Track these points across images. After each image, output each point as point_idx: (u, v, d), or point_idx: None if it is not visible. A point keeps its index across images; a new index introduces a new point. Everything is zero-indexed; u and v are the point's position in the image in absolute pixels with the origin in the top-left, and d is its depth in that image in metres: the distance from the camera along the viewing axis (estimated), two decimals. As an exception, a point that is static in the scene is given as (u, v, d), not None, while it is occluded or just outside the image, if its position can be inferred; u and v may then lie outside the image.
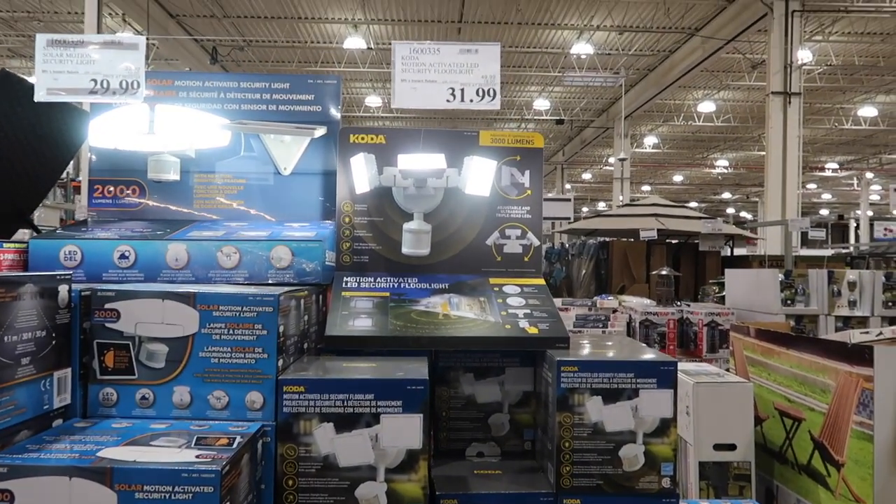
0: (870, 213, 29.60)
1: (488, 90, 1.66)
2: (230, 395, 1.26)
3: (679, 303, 6.21)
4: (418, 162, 1.70)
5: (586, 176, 31.66)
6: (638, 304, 6.47)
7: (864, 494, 1.28)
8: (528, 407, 1.63)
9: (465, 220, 1.79)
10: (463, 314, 1.58)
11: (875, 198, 32.36)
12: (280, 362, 1.29)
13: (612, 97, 19.78)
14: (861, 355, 1.33)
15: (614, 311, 6.26)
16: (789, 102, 11.82)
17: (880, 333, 3.08)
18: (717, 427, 3.09)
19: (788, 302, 6.04)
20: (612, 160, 22.94)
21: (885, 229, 16.47)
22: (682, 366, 3.36)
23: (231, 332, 1.26)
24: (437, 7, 14.07)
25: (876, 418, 1.49)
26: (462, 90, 1.69)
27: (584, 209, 34.76)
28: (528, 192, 1.81)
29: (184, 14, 14.59)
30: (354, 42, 15.09)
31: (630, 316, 6.17)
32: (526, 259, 1.80)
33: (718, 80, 17.68)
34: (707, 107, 20.03)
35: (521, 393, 1.63)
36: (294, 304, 1.42)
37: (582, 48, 15.33)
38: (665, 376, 1.45)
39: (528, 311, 1.62)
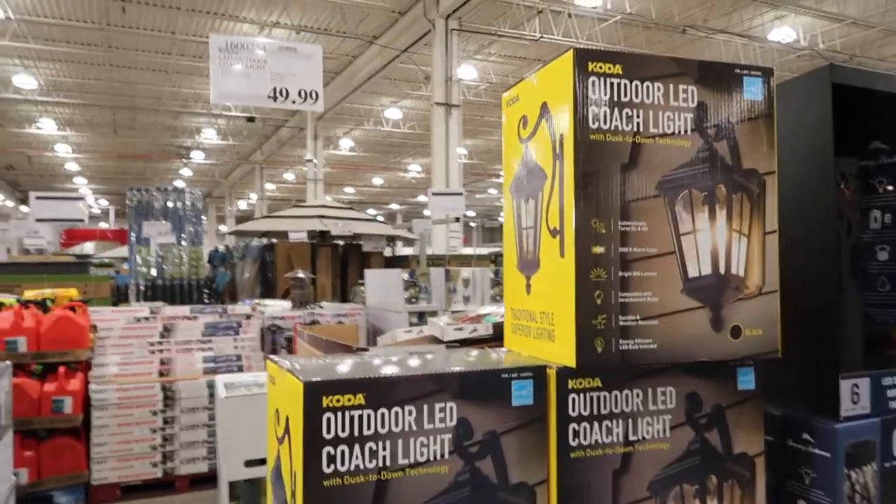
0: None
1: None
2: None
3: (312, 305, 6.19)
4: None
5: (289, 176, 31.22)
6: (275, 308, 6.29)
7: None
8: None
9: None
10: None
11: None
12: None
13: (304, 97, 19.64)
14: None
15: (248, 316, 5.97)
16: (450, 113, 12.80)
17: (421, 331, 3.25)
18: (249, 442, 2.92)
19: (413, 299, 6.39)
20: (309, 161, 22.83)
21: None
22: (231, 378, 3.13)
23: None
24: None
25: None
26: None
27: (290, 210, 34.24)
28: None
29: None
30: (-15, 8, 12.66)
31: (263, 321, 5.93)
32: None
33: (400, 89, 18.62)
34: (394, 113, 21.00)
35: None
36: None
37: (263, 44, 14.88)
38: None
39: None
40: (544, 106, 1.09)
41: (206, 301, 8.77)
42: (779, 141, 1.15)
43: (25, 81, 17.53)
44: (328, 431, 0.89)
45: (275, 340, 5.54)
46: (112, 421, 4.93)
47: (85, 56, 16.37)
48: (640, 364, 1.02)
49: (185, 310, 5.78)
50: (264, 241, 9.90)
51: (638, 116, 1.04)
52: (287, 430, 0.96)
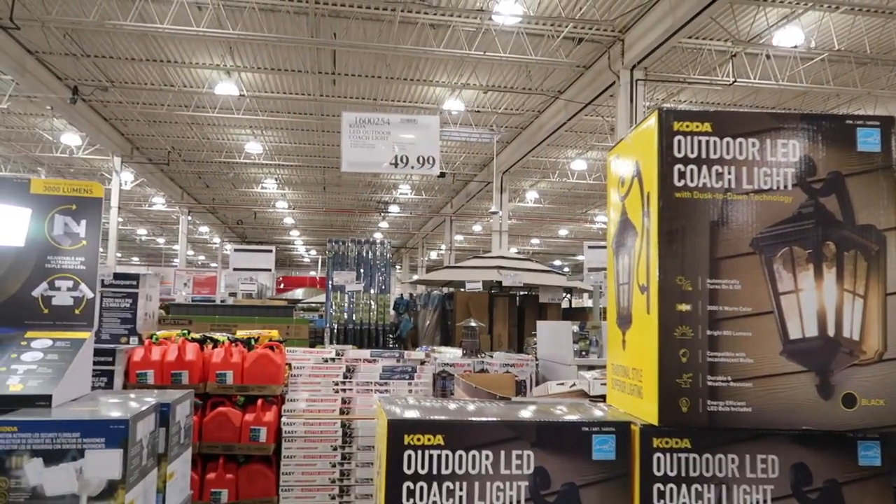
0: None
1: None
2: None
3: (483, 354, 6.31)
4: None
5: (476, 228, 32.28)
6: (447, 355, 6.52)
7: None
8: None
9: (7, 270, 1.71)
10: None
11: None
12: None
13: (491, 152, 20.43)
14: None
15: (422, 362, 6.25)
16: (634, 163, 12.51)
17: (573, 385, 3.21)
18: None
19: (583, 353, 6.26)
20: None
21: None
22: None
23: None
24: (309, 58, 14.16)
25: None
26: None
27: (478, 260, 35.28)
28: (84, 242, 1.76)
29: (41, 51, 13.97)
30: (226, 88, 14.91)
31: (435, 367, 6.17)
32: (77, 312, 1.73)
33: (585, 141, 18.62)
34: (579, 165, 20.99)
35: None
36: None
37: (454, 104, 15.79)
38: (114, 435, 1.38)
39: (35, 367, 1.54)
40: (636, 165, 1.11)
41: (390, 346, 9.30)
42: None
43: (254, 148, 20.21)
44: (409, 467, 0.97)
45: (445, 386, 5.73)
46: (299, 452, 5.38)
47: (301, 124, 18.52)
48: (730, 427, 0.98)
49: (365, 353, 6.19)
50: (445, 290, 10.33)
51: (729, 173, 1.02)
52: (380, 465, 1.06)
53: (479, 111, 16.87)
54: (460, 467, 0.97)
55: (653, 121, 1.05)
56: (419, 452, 0.97)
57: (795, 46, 12.58)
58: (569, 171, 21.98)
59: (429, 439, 0.98)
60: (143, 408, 1.51)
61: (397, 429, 0.97)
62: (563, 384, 3.03)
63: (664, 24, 11.17)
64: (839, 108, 15.49)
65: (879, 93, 14.37)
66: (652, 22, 11.61)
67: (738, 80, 13.30)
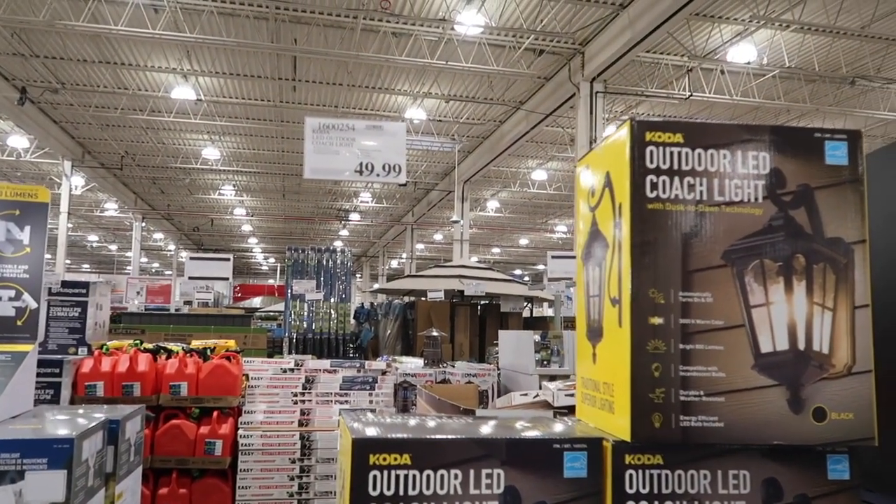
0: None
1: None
2: None
3: (445, 363, 6.27)
4: None
5: (438, 237, 32.29)
6: (409, 365, 6.46)
7: None
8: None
9: (-58, 279, 1.61)
10: None
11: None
12: None
13: (453, 161, 20.49)
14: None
15: (384, 372, 6.17)
16: (593, 174, 12.66)
17: (537, 395, 3.20)
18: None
19: (545, 363, 6.28)
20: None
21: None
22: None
23: None
24: (269, 63, 13.98)
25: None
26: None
27: (439, 269, 35.24)
28: (28, 249, 1.67)
29: (-13, 50, 13.49)
30: (183, 92, 14.60)
31: (397, 377, 6.10)
32: (19, 323, 1.64)
33: (545, 151, 18.81)
34: (540, 175, 21.18)
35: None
36: None
37: (415, 113, 15.78)
38: (57, 455, 1.30)
39: (-30, 382, 1.45)
40: (607, 175, 1.10)
41: (351, 355, 9.19)
42: (878, 209, 1.06)
43: (211, 154, 19.85)
44: (374, 489, 0.93)
45: (406, 397, 5.67)
46: (256, 466, 5.24)
47: (260, 130, 18.27)
48: (703, 443, 0.97)
49: (325, 363, 6.09)
50: (407, 299, 10.26)
51: (701, 185, 1.01)
52: (343, 485, 1.01)
53: (440, 120, 16.90)
54: (428, 488, 0.93)
55: (624, 131, 1.03)
56: (385, 473, 0.93)
57: (748, 63, 12.95)
58: (529, 182, 22.17)
59: (395, 459, 0.94)
60: (90, 425, 1.43)
61: (362, 448, 0.93)
62: (526, 395, 3.02)
63: (623, 37, 11.37)
64: (790, 124, 15.98)
65: (827, 109, 14.89)
66: (611, 35, 11.81)
67: (693, 94, 13.62)
